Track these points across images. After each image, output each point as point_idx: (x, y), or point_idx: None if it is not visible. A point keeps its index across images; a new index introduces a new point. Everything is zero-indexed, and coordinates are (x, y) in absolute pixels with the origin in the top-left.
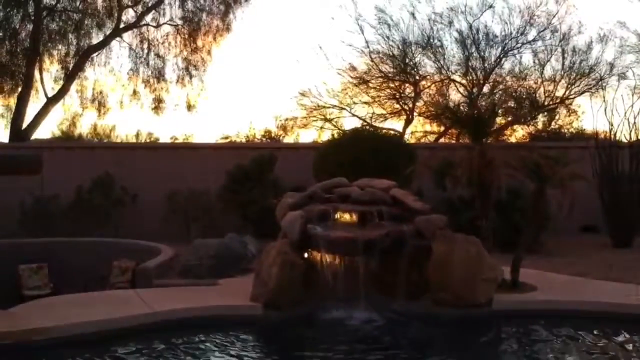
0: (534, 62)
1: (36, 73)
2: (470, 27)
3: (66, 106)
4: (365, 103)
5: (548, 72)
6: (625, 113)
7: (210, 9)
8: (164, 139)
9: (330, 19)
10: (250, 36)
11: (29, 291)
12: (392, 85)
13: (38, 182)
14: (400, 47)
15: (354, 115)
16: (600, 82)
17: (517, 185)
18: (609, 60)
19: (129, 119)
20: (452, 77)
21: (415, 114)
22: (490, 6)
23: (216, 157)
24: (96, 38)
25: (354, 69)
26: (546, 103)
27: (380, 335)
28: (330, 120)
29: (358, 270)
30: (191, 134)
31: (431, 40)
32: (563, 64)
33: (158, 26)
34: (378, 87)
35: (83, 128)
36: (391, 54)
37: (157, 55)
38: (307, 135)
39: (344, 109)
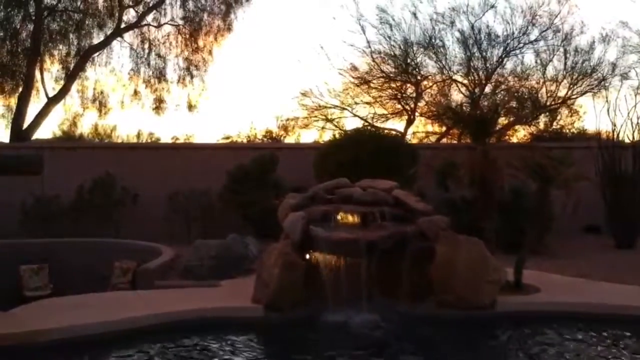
0: (536, 62)
1: (37, 73)
2: (472, 27)
3: (67, 106)
4: (367, 103)
5: (550, 72)
6: (629, 113)
7: (212, 9)
8: (165, 139)
9: (331, 18)
10: (252, 36)
11: (30, 292)
12: (393, 85)
13: (39, 182)
14: (402, 47)
15: (355, 115)
16: (602, 83)
17: (520, 186)
18: (612, 61)
19: (130, 119)
20: (453, 78)
21: (416, 114)
22: (492, 6)
23: (217, 157)
24: (97, 38)
25: (355, 69)
26: (548, 103)
27: (383, 338)
28: (331, 121)
29: (360, 272)
30: (192, 134)
31: (433, 41)
32: (565, 64)
33: (159, 26)
34: (379, 88)
35: (84, 128)
36: (393, 54)
37: (158, 55)
38: (308, 136)
39: (345, 109)
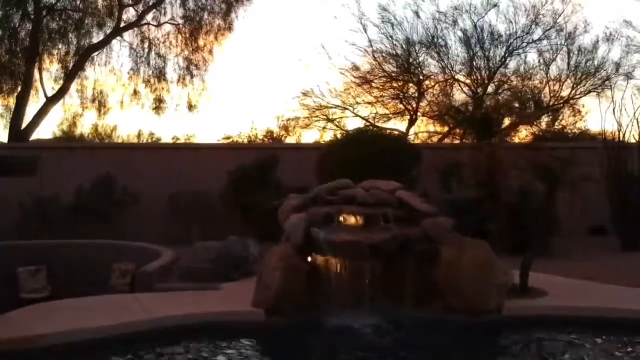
0: (539, 61)
1: (36, 73)
2: (475, 26)
3: (67, 106)
4: (369, 103)
5: (553, 72)
6: (635, 113)
7: (212, 8)
8: (166, 139)
9: (333, 18)
10: (253, 35)
11: (28, 294)
12: (395, 85)
13: (37, 183)
14: (404, 46)
15: (357, 115)
16: (605, 83)
17: (526, 186)
18: (615, 60)
19: (131, 120)
20: (456, 77)
21: (419, 114)
22: (495, 5)
23: (218, 158)
24: (96, 37)
25: (357, 68)
26: (551, 103)
27: (387, 343)
28: (333, 121)
29: (364, 275)
30: (193, 134)
31: (435, 40)
32: (569, 63)
33: (159, 25)
34: (381, 87)
35: (84, 128)
36: (395, 53)
37: (158, 54)
38: (309, 136)
39: (347, 109)
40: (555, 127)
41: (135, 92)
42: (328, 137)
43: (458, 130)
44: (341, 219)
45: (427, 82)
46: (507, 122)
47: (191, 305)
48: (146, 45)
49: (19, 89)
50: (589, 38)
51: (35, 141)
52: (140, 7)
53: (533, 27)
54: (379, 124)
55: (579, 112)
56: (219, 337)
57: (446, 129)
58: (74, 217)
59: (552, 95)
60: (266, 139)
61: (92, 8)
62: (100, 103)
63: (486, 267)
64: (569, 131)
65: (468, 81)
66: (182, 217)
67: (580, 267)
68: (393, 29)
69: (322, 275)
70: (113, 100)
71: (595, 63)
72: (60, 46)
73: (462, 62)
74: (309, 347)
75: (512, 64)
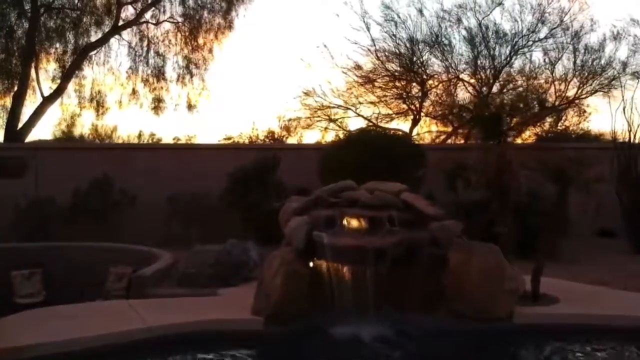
0: (544, 60)
1: (33, 72)
2: (480, 24)
3: (64, 106)
4: (371, 103)
5: (559, 71)
6: None
7: (212, 6)
8: (167, 139)
9: (334, 15)
10: (253, 34)
11: (21, 299)
12: (398, 84)
13: (33, 183)
14: (407, 45)
15: (359, 115)
16: (612, 82)
17: (534, 187)
18: (622, 59)
19: (131, 120)
20: (460, 76)
21: (422, 114)
22: (500, 3)
23: (218, 158)
24: (94, 36)
25: (359, 67)
26: (557, 103)
27: (392, 352)
28: (334, 121)
29: (368, 281)
30: (194, 134)
31: (439, 39)
32: (575, 62)
33: (158, 23)
34: (384, 87)
35: (84, 129)
36: (398, 52)
37: (157, 53)
38: (310, 136)
39: (349, 109)
40: (559, 127)
41: (134, 92)
42: (330, 137)
43: (462, 130)
44: (344, 222)
45: (430, 82)
46: (514, 121)
47: (188, 312)
48: (145, 43)
49: (15, 88)
50: (595, 36)
51: (31, 142)
52: (139, 5)
53: (539, 25)
54: (382, 124)
55: (584, 112)
56: (216, 346)
57: (450, 128)
58: (70, 219)
59: (557, 94)
60: (267, 140)
61: (90, 6)
62: (98, 103)
63: (496, 272)
64: (573, 131)
65: (472, 80)
66: (181, 218)
67: (591, 271)
68: (396, 27)
69: (324, 281)
70: (111, 99)
71: (602, 62)
72: (57, 45)
73: (466, 61)
74: (310, 357)
75: (517, 63)
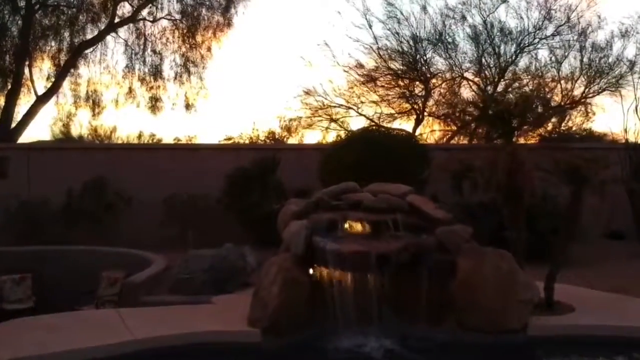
0: (550, 59)
1: (26, 71)
2: (485, 22)
3: (60, 105)
4: (373, 102)
5: (566, 69)
6: None
7: (211, 3)
8: (167, 140)
9: (336, 13)
10: (253, 32)
11: (10, 305)
12: (401, 83)
13: (25, 184)
14: (410, 43)
15: (361, 114)
16: (619, 81)
17: (550, 189)
18: (630, 58)
19: (131, 121)
20: (464, 75)
21: (425, 113)
22: (505, 0)
23: (216, 159)
24: (90, 34)
25: (361, 66)
26: (563, 103)
27: None
28: (336, 121)
29: (371, 290)
30: (194, 135)
31: (443, 36)
32: (581, 61)
33: (155, 21)
34: (386, 86)
35: (83, 129)
36: (401, 50)
37: (154, 51)
38: (311, 137)
39: (351, 108)
40: (562, 127)
41: (130, 90)
42: (331, 137)
43: (466, 130)
44: (346, 226)
45: (433, 80)
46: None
47: (179, 322)
48: (141, 41)
49: (9, 86)
50: (603, 34)
51: (23, 143)
52: (135, 2)
53: (545, 22)
54: (384, 124)
55: (591, 111)
56: None
57: (454, 128)
58: (63, 221)
59: (563, 94)
60: (268, 140)
61: (85, 3)
62: (94, 102)
63: (508, 280)
64: (575, 132)
65: (477, 79)
66: (178, 220)
67: (604, 276)
68: (399, 25)
69: (325, 290)
70: (107, 98)
71: (610, 60)
72: (52, 43)
73: (470, 59)
74: None
75: (523, 62)
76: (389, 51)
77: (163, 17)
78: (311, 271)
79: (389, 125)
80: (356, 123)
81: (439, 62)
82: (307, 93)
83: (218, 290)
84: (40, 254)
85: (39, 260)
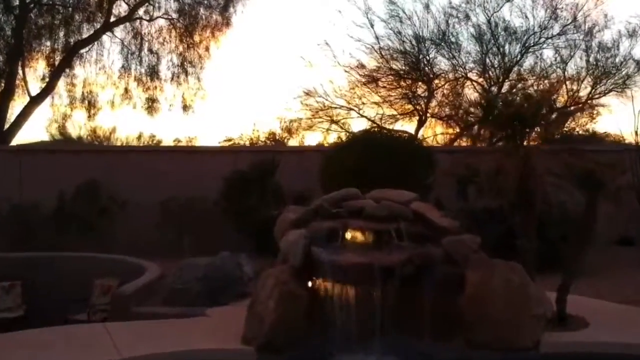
0: (555, 59)
1: (20, 71)
2: (489, 21)
3: (55, 106)
4: (375, 103)
5: (571, 69)
6: None
7: (209, 2)
8: (167, 141)
9: (336, 12)
10: (252, 31)
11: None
12: (403, 84)
13: (17, 188)
14: (413, 42)
15: (362, 116)
16: (627, 81)
17: (560, 195)
18: (637, 58)
19: (130, 122)
20: (468, 75)
21: (428, 114)
22: None
23: (214, 161)
24: (86, 33)
25: (362, 66)
26: (568, 104)
27: None
28: (337, 122)
29: (374, 304)
30: (194, 135)
31: (446, 36)
32: (588, 61)
33: (151, 20)
34: (388, 86)
35: (82, 131)
36: (403, 50)
37: (151, 51)
38: (312, 138)
39: (352, 109)
40: (565, 128)
41: (127, 91)
42: (332, 139)
43: (469, 132)
44: (347, 235)
45: (436, 81)
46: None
47: (170, 339)
48: (138, 41)
49: (2, 87)
50: (610, 34)
51: (14, 145)
52: (132, 1)
53: (551, 21)
54: (386, 125)
55: (596, 112)
56: None
57: (457, 129)
58: (56, 226)
59: (569, 94)
60: (268, 141)
61: (81, 2)
62: (89, 102)
63: (520, 294)
64: (578, 133)
65: (481, 79)
66: (174, 225)
67: (617, 286)
68: (401, 24)
69: (325, 304)
70: (103, 99)
71: (617, 60)
72: (47, 42)
73: (474, 59)
74: None
75: (528, 62)
76: (390, 51)
77: (160, 16)
78: (310, 284)
79: (390, 126)
80: (357, 124)
81: (442, 62)
82: (308, 94)
83: (213, 301)
84: (32, 260)
85: (30, 267)
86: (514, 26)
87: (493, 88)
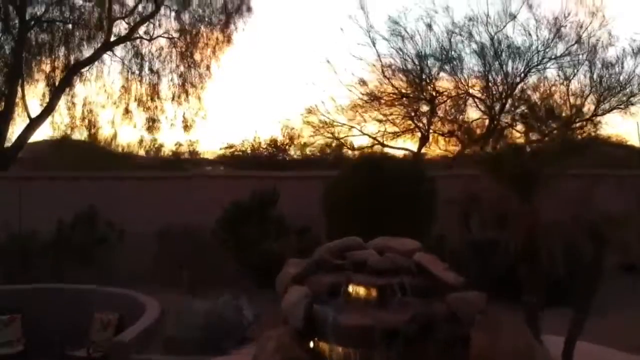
0: (558, 76)
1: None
2: (492, 39)
3: (55, 125)
4: (377, 121)
5: (575, 86)
6: None
7: (210, 20)
8: (168, 145)
9: (338, 30)
10: (254, 49)
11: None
12: (405, 102)
13: (16, 216)
14: (415, 61)
15: (364, 134)
16: (630, 99)
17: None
18: None
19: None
20: (470, 92)
21: (430, 131)
22: (514, 17)
23: (213, 188)
24: (87, 52)
25: (364, 83)
26: (572, 120)
27: None
28: (339, 139)
29: None
30: (196, 139)
31: (449, 54)
32: (591, 78)
33: (152, 39)
34: (390, 104)
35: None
36: (405, 68)
37: (152, 70)
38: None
39: (354, 127)
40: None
41: (127, 111)
42: (333, 154)
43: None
44: (350, 289)
45: (439, 98)
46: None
47: None
48: (138, 60)
49: (1, 107)
50: (614, 51)
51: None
52: (132, 21)
53: (555, 40)
54: (388, 142)
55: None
56: None
57: (459, 147)
58: (53, 255)
59: (572, 112)
60: (270, 148)
61: (82, 19)
62: (89, 122)
63: (527, 358)
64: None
65: (483, 96)
66: (172, 256)
67: (628, 327)
68: (403, 42)
69: None
70: (104, 119)
71: (621, 78)
72: (46, 62)
73: (476, 75)
74: None
75: (531, 80)
76: (392, 68)
77: (160, 36)
78: (312, 344)
79: (392, 143)
80: (359, 141)
81: (444, 78)
82: (310, 111)
83: (214, 349)
84: (30, 292)
85: (29, 300)
86: (517, 44)
87: (495, 105)
